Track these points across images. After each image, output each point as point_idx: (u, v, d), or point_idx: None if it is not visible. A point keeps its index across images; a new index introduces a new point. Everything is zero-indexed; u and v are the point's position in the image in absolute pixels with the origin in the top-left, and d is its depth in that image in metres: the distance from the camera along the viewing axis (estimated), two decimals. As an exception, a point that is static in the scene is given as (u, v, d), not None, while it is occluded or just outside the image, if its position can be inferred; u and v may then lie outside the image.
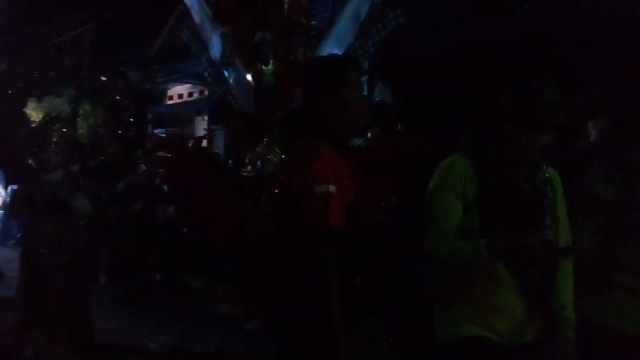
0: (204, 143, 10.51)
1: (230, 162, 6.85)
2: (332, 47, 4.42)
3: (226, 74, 4.84)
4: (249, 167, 4.93)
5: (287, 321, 1.83)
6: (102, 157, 4.08)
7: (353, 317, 1.85)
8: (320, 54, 4.41)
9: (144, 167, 6.16)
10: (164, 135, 11.01)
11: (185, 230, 6.52)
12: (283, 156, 4.53)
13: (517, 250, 1.67)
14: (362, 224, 1.92)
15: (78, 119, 3.92)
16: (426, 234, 1.85)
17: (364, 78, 7.58)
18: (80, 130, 3.94)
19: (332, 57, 2.42)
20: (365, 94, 7.41)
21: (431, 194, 1.88)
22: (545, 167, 1.88)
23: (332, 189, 1.67)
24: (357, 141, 5.44)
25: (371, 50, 4.48)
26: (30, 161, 3.56)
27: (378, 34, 4.41)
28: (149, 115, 14.09)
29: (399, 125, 5.81)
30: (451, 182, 1.82)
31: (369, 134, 5.53)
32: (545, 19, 5.90)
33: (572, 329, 1.86)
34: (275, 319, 1.99)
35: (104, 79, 4.37)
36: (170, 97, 14.51)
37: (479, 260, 1.74)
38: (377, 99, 7.06)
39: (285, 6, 4.59)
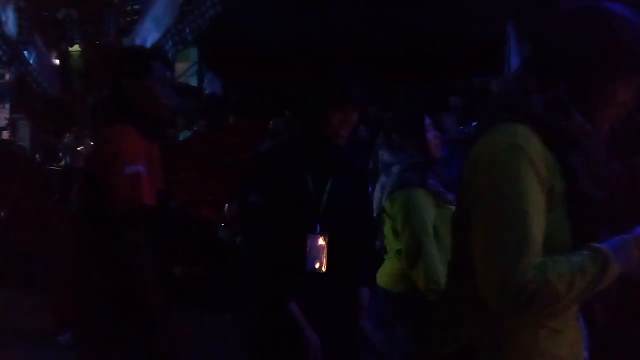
0: (5, 135, 9.44)
1: (37, 155, 6.22)
2: (149, 30, 4.23)
3: (26, 54, 4.36)
4: (62, 161, 4.55)
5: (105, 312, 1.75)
6: None
7: (171, 303, 1.84)
8: (137, 37, 4.21)
9: None
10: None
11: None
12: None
13: None
14: (189, 218, 1.88)
15: None
16: (490, 257, 1.04)
17: (194, 69, 7.44)
18: None
19: (138, 47, 2.49)
20: (195, 84, 7.27)
21: (495, 185, 1.06)
22: None
23: (141, 169, 1.69)
24: (186, 134, 5.37)
25: (190, 38, 4.41)
26: None
27: (196, 21, 4.34)
28: None
29: (230, 118, 5.80)
30: (534, 168, 1.05)
31: (195, 127, 5.44)
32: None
33: None
34: (84, 322, 1.86)
35: None
36: (-41, 82, 12.64)
37: (602, 281, 1.04)
38: (206, 90, 6.98)
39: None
